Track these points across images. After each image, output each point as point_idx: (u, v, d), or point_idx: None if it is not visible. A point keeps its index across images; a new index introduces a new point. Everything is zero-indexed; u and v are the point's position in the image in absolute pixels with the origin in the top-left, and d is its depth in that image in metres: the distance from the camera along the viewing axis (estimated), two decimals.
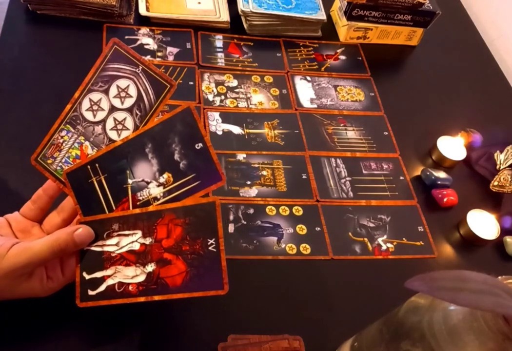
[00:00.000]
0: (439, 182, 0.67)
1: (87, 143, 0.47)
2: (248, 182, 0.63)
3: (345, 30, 0.84)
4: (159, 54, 0.74)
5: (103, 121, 0.47)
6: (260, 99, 0.73)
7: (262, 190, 0.63)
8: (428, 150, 0.73)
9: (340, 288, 0.57)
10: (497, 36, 0.96)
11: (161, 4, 0.79)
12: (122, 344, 0.48)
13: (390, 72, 0.84)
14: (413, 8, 0.81)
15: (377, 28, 0.84)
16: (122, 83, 0.46)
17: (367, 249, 0.60)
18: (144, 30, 0.77)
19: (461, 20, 0.98)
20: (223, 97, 0.72)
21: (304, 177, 0.65)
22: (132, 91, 0.46)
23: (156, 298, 0.42)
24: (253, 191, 0.62)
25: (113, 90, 0.47)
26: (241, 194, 0.62)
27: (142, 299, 0.42)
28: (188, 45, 0.77)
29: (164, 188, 0.44)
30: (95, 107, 0.47)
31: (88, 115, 0.47)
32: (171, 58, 0.74)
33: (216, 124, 0.68)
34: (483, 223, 0.64)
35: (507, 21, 0.96)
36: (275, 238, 0.59)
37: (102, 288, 0.43)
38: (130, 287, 0.43)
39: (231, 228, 0.58)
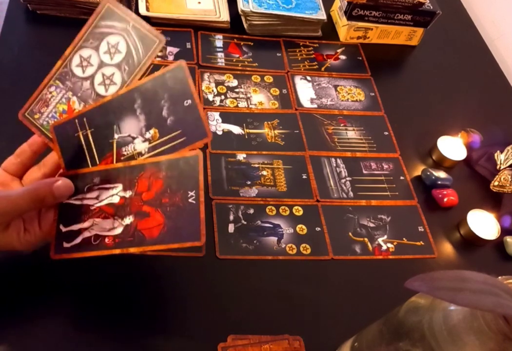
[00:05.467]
0: (439, 182, 0.67)
1: (74, 98, 0.48)
2: (248, 182, 0.63)
3: (345, 30, 0.84)
4: (159, 54, 0.74)
5: (91, 77, 0.47)
6: (260, 99, 0.73)
7: (262, 190, 0.63)
8: (428, 150, 0.73)
9: (340, 288, 0.56)
10: (497, 36, 0.96)
11: (161, 4, 0.79)
12: (122, 345, 0.48)
13: (390, 72, 0.84)
14: (413, 8, 0.81)
15: (377, 28, 0.84)
16: (113, 39, 0.46)
17: (367, 249, 0.60)
18: None
19: (462, 20, 0.98)
20: (223, 97, 0.72)
21: (304, 177, 0.65)
22: (122, 47, 0.46)
23: (132, 250, 0.41)
24: (253, 191, 0.62)
25: (103, 46, 0.47)
26: (241, 194, 0.62)
27: (117, 251, 0.42)
28: (188, 45, 0.77)
29: (149, 143, 0.44)
30: (84, 63, 0.47)
31: (78, 71, 0.48)
32: (171, 58, 0.74)
33: (216, 124, 0.68)
34: (483, 223, 0.63)
35: (507, 21, 0.96)
36: (275, 238, 0.59)
37: (77, 240, 0.43)
38: (106, 240, 0.42)
39: (231, 228, 0.58)
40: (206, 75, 0.74)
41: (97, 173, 0.44)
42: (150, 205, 0.42)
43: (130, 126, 0.45)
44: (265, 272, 0.56)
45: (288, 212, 0.61)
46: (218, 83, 0.73)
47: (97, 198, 0.44)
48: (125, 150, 0.44)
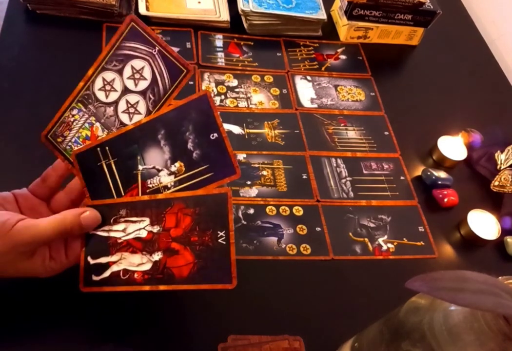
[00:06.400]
0: (439, 182, 0.67)
1: (97, 124, 0.46)
2: (248, 182, 0.63)
3: (345, 29, 0.83)
4: None
5: (115, 103, 0.46)
6: (260, 99, 0.73)
7: (262, 190, 0.63)
8: (428, 150, 0.73)
9: (340, 288, 0.56)
10: (497, 35, 0.96)
11: (161, 4, 0.79)
12: (122, 345, 0.48)
13: (390, 72, 0.84)
14: (413, 7, 0.81)
15: (377, 27, 0.84)
16: (137, 63, 0.44)
17: (368, 249, 0.60)
18: None
19: (462, 20, 0.98)
20: (223, 97, 0.72)
21: (304, 177, 0.65)
22: (147, 73, 0.44)
23: (162, 288, 0.41)
24: (253, 191, 0.62)
25: (127, 71, 0.45)
26: (241, 194, 0.62)
27: (147, 288, 0.42)
28: (188, 45, 0.77)
29: (175, 177, 0.43)
30: (108, 87, 0.46)
31: (101, 95, 0.46)
32: None
33: None
34: (483, 223, 0.63)
35: (507, 21, 0.96)
36: (275, 238, 0.59)
37: (106, 274, 0.43)
38: (136, 275, 0.42)
39: None
40: (206, 75, 0.74)
41: (123, 204, 0.44)
42: (179, 242, 0.42)
43: (154, 158, 0.44)
44: (265, 272, 0.56)
45: (288, 212, 0.61)
46: (218, 83, 0.73)
47: (124, 231, 0.43)
48: (151, 183, 0.44)
